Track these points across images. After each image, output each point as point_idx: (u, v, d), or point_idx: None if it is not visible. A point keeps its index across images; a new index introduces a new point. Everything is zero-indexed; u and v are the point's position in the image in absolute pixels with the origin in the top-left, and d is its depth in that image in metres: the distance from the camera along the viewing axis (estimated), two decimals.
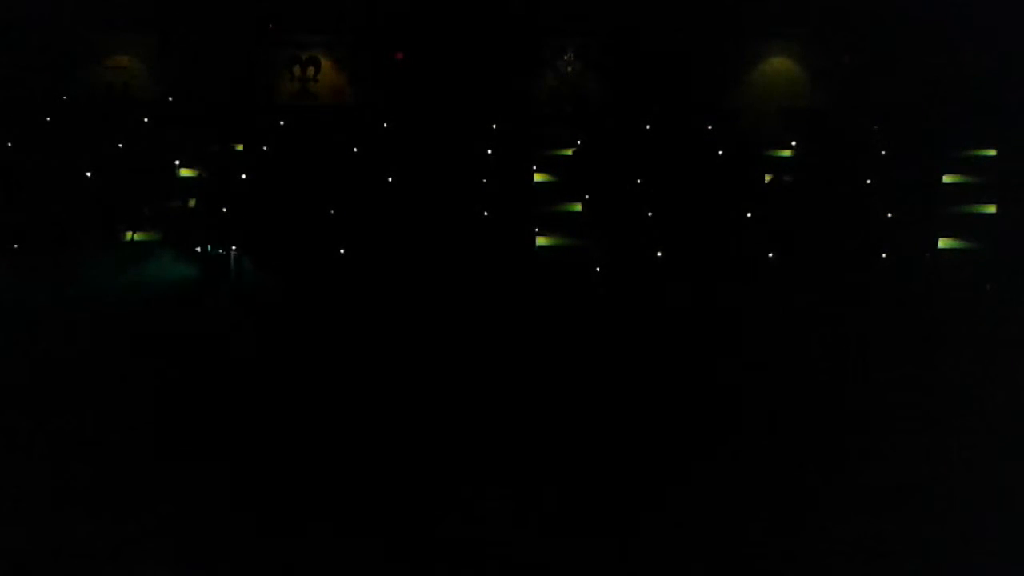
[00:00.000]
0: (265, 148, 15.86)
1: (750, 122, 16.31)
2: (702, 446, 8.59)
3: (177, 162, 15.77)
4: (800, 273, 14.00)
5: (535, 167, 15.76)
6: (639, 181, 15.22)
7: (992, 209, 15.15)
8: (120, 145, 15.69)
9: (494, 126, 15.93)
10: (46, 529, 6.69)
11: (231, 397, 9.76)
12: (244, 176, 15.14)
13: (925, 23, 15.84)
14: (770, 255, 14.49)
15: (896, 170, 15.24)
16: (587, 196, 15.35)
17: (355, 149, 15.73)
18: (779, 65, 17.17)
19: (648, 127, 15.95)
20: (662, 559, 6.62)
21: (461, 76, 16.21)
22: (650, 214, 14.88)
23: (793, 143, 16.00)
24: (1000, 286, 13.69)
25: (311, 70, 17.44)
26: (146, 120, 16.22)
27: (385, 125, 16.18)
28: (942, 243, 14.85)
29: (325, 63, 17.48)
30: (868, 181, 15.16)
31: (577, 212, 15.43)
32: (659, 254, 14.50)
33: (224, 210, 14.58)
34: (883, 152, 15.51)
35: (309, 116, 16.70)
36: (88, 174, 15.03)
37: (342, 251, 14.54)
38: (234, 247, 14.21)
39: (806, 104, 16.79)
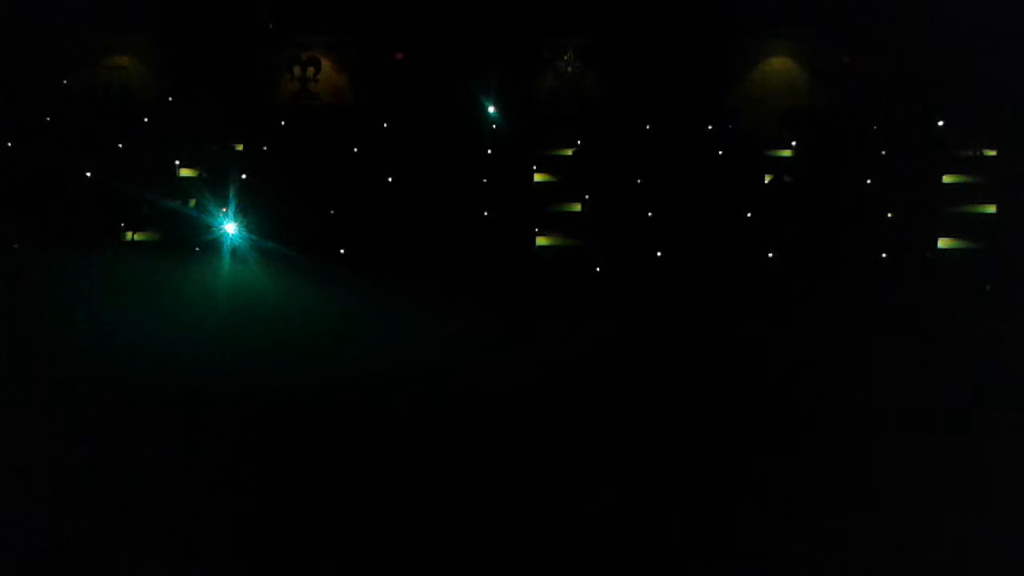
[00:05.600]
0: (265, 148, 15.88)
1: (750, 122, 16.32)
2: (701, 447, 8.59)
3: (177, 162, 15.79)
4: (800, 273, 14.02)
5: (535, 167, 15.77)
6: (639, 181, 15.24)
7: (992, 209, 15.16)
8: (120, 145, 15.72)
9: (494, 126, 15.94)
10: (47, 530, 6.70)
11: (231, 398, 9.76)
12: (244, 176, 15.16)
13: (924, 23, 15.84)
14: (770, 255, 14.50)
15: (896, 170, 15.24)
16: (587, 196, 15.37)
17: (355, 149, 15.75)
18: (779, 65, 17.18)
19: (648, 127, 15.96)
20: (662, 561, 6.63)
21: (461, 76, 16.21)
22: (650, 214, 14.90)
23: (793, 143, 16.01)
24: (1000, 286, 13.70)
25: (311, 70, 17.46)
26: (146, 120, 16.25)
27: (385, 125, 16.19)
28: (942, 243, 14.87)
29: (325, 63, 17.50)
30: (868, 181, 15.17)
31: (577, 212, 15.45)
32: (659, 254, 14.53)
33: (224, 210, 14.60)
34: (883, 152, 15.52)
35: (309, 116, 16.72)
36: (88, 174, 15.05)
37: (342, 251, 14.58)
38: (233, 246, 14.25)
39: (806, 104, 16.80)
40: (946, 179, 15.38)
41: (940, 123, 15.50)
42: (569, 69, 17.31)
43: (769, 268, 14.42)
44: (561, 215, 15.43)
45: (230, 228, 14.30)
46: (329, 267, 14.04)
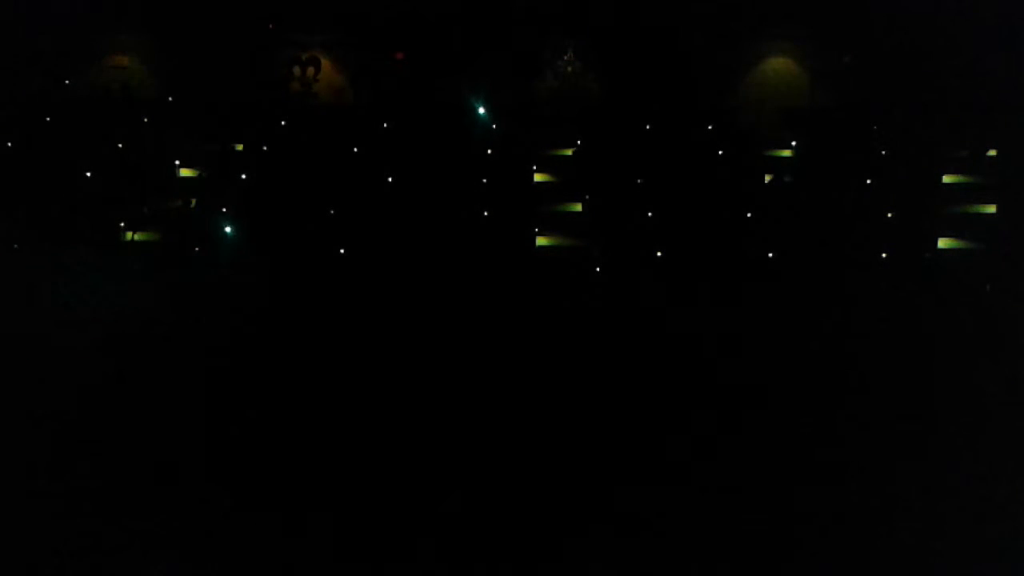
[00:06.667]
0: (265, 148, 15.87)
1: (750, 122, 16.31)
2: (702, 448, 8.59)
3: (177, 162, 15.79)
4: (800, 273, 14.01)
5: (535, 167, 15.76)
6: (639, 181, 15.23)
7: (992, 209, 15.16)
8: (120, 145, 15.71)
9: (494, 126, 15.93)
10: (52, 529, 6.71)
11: (230, 399, 9.77)
12: (244, 176, 15.15)
13: (925, 23, 15.83)
14: (770, 255, 14.50)
15: (896, 170, 15.24)
16: (587, 196, 15.36)
17: (355, 149, 15.74)
18: (779, 65, 17.17)
19: (648, 127, 15.95)
20: (663, 560, 6.63)
21: (461, 76, 16.20)
22: (650, 214, 14.89)
23: (793, 143, 16.00)
24: (1000, 286, 13.69)
25: (311, 70, 17.44)
26: (146, 120, 16.23)
27: (385, 125, 16.18)
28: (942, 243, 14.86)
29: (325, 63, 17.48)
30: (868, 181, 15.17)
31: (577, 212, 15.45)
32: (659, 254, 14.52)
33: (224, 210, 14.60)
34: (883, 152, 15.51)
35: (309, 116, 16.71)
36: (88, 174, 15.05)
37: (342, 251, 14.56)
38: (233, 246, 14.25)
39: (806, 104, 16.79)
40: (946, 179, 15.37)
41: (940, 123, 15.49)
42: (569, 69, 17.30)
43: (769, 268, 14.41)
44: (561, 215, 15.42)
45: (230, 228, 14.30)
46: (328, 267, 14.03)
